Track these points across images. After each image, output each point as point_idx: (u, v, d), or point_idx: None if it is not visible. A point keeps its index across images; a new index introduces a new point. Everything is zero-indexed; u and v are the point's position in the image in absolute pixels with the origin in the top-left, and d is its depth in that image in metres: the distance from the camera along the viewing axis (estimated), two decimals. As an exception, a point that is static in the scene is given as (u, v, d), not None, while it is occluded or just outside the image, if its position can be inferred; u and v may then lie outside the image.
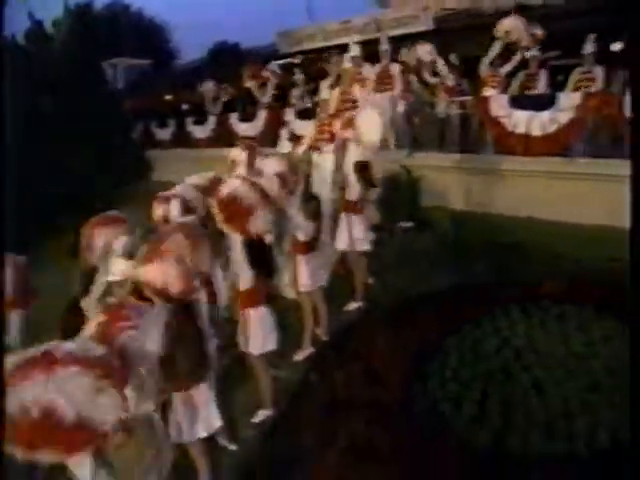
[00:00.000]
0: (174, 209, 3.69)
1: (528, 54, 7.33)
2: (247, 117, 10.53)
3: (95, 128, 11.80)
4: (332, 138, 5.58)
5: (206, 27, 31.85)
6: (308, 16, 19.47)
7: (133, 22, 29.00)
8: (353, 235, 4.67)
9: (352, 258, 4.83)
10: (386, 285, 5.16)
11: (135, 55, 20.83)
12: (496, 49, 7.12)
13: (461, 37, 11.00)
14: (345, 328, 4.57)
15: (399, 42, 9.68)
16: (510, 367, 3.56)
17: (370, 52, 9.06)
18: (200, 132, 11.72)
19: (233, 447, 3.59)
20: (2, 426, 1.74)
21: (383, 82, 7.52)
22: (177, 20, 39.34)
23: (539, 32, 7.42)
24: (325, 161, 5.26)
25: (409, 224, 6.34)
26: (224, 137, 10.97)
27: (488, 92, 7.03)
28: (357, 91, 6.31)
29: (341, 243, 4.76)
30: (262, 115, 10.07)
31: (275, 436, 3.59)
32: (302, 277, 4.16)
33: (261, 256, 3.57)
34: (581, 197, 5.61)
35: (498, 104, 6.33)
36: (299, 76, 9.81)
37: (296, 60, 13.83)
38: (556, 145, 5.83)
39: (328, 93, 6.25)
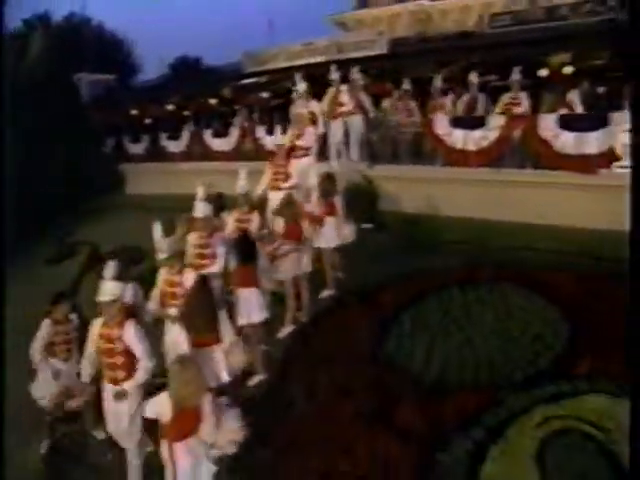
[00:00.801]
0: None
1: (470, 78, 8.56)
2: (220, 133, 11.34)
3: (67, 137, 12.21)
4: (287, 178, 6.39)
5: (167, 42, 32.37)
6: (269, 38, 20.43)
7: (94, 36, 29.23)
8: (327, 234, 5.67)
9: (326, 253, 5.82)
10: (352, 275, 6.17)
11: (97, 69, 21.21)
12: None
13: (412, 60, 12.23)
14: (321, 311, 5.56)
15: (357, 63, 10.76)
16: (449, 329, 4.67)
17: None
18: (174, 147, 12.43)
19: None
20: (2, 425, 2.44)
21: (335, 108, 8.06)
22: (137, 35, 39.51)
23: None
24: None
25: (370, 225, 7.40)
26: (198, 151, 11.81)
27: (439, 115, 7.99)
28: (308, 132, 7.08)
29: (317, 241, 5.73)
30: (235, 131, 10.93)
31: (270, 391, 4.52)
32: (285, 265, 5.15)
33: (247, 248, 4.61)
34: (510, 200, 6.83)
35: (440, 124, 7.55)
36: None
37: (262, 79, 14.83)
38: (487, 158, 7.08)
39: (283, 138, 6.86)
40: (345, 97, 8.04)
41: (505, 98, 7.95)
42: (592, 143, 6.13)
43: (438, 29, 16.04)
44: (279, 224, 5.34)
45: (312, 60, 14.35)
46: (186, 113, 14.53)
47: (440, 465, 3.38)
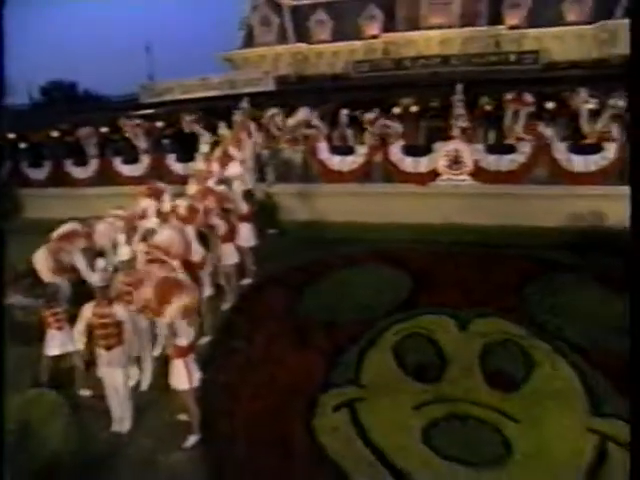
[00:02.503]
0: None
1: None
2: (130, 160, 12.43)
3: None
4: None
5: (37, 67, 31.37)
6: (148, 77, 20.96)
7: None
8: (246, 235, 7.57)
9: (244, 250, 7.70)
10: (263, 267, 8.10)
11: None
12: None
13: (294, 97, 14.61)
14: (247, 290, 7.45)
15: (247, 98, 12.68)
16: (341, 291, 6.90)
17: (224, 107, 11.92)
18: (80, 173, 13.05)
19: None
20: (2, 425, 3.34)
21: (226, 161, 8.69)
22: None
23: None
24: None
25: (273, 231, 9.43)
26: (107, 177, 12.68)
27: (320, 145, 10.33)
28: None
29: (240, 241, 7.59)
30: (145, 159, 12.18)
31: (218, 346, 6.28)
32: (223, 256, 6.97)
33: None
34: (373, 206, 9.39)
35: (322, 151, 9.97)
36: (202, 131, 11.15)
37: (159, 111, 16.08)
38: (356, 177, 9.66)
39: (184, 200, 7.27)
40: (232, 150, 9.14)
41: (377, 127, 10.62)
42: (423, 165, 8.99)
43: (314, 70, 18.86)
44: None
45: (206, 94, 16.02)
46: (69, 139, 14.92)
47: (340, 363, 5.51)
